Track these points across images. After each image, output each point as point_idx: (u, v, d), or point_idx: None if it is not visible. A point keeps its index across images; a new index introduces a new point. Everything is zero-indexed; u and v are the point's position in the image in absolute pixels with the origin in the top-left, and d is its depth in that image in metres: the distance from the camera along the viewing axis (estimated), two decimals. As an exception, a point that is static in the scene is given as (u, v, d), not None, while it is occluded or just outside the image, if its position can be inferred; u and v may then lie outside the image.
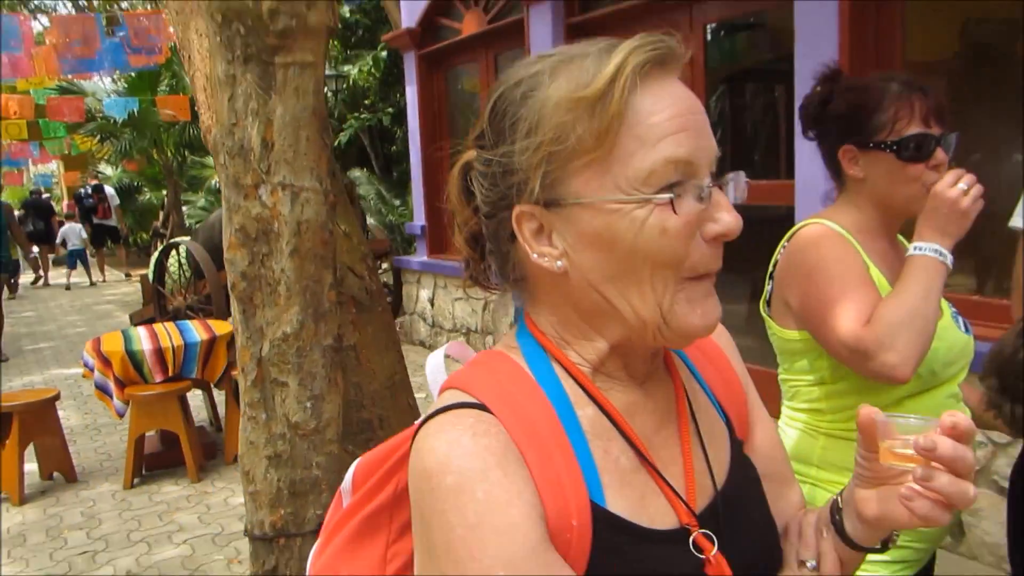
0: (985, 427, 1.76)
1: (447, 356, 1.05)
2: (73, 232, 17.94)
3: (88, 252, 18.52)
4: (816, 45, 4.29)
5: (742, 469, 1.02)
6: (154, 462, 5.81)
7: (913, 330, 1.62)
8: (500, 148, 0.89)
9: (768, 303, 1.93)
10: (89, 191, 18.68)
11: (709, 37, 5.79)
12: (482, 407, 0.85)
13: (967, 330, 1.90)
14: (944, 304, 1.91)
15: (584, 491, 0.84)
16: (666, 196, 0.82)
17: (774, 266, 1.91)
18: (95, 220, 18.45)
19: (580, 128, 0.83)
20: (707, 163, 0.86)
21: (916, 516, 0.83)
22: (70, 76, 12.16)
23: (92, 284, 18.22)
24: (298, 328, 2.01)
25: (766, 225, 4.48)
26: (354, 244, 2.53)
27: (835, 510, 0.96)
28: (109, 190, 19.08)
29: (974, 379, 1.84)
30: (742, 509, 0.97)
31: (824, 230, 1.81)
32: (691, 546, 0.89)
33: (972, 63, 4.39)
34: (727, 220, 0.85)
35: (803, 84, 4.28)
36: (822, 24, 4.28)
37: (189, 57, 2.63)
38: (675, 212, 0.82)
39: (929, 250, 1.67)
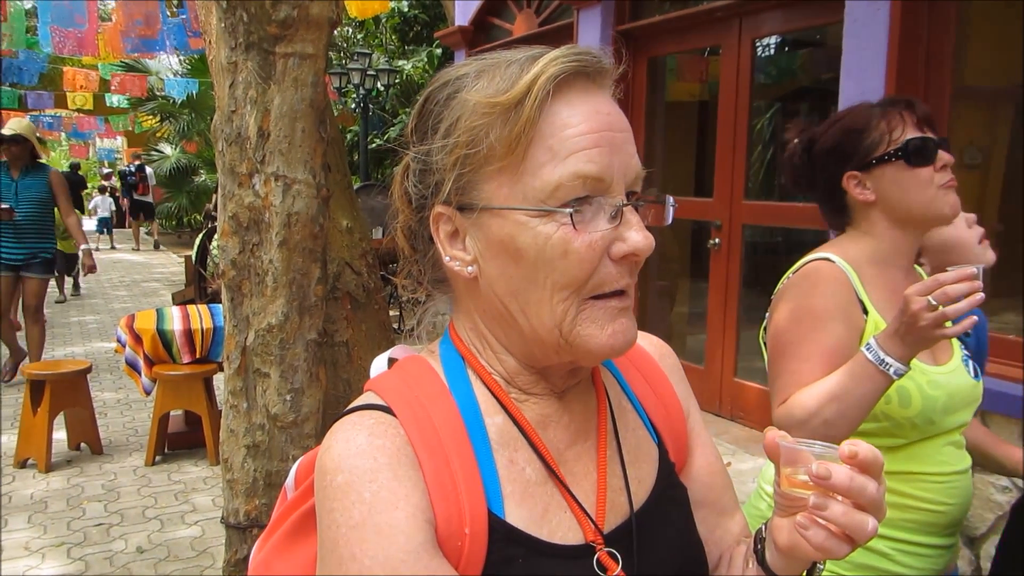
0: (1002, 472, 1.65)
1: (391, 359, 1.04)
2: (104, 203, 20.53)
3: (127, 223, 21.28)
4: (862, 66, 4.18)
5: (667, 491, 0.98)
6: (177, 441, 5.86)
7: (819, 420, 1.56)
8: (423, 146, 0.88)
9: (766, 330, 1.87)
10: (132, 169, 20.82)
11: (759, 52, 5.68)
12: (387, 409, 0.85)
13: (977, 375, 1.79)
14: (955, 346, 1.81)
15: (482, 499, 0.83)
16: (567, 210, 0.80)
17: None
18: (135, 196, 20.50)
19: (493, 134, 0.82)
20: (621, 181, 0.83)
21: (811, 546, 0.79)
22: (134, 55, 12.42)
23: (112, 247, 20.36)
24: (283, 320, 2.00)
25: (802, 249, 4.37)
26: (355, 240, 2.52)
27: (758, 539, 0.93)
28: (148, 170, 20.90)
29: (977, 418, 1.75)
30: (658, 531, 0.94)
31: (826, 270, 1.74)
32: (595, 564, 0.87)
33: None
34: (635, 239, 0.82)
35: (847, 104, 4.17)
36: (870, 43, 4.16)
37: (210, 42, 2.65)
38: (575, 229, 0.80)
39: (874, 357, 1.52)
